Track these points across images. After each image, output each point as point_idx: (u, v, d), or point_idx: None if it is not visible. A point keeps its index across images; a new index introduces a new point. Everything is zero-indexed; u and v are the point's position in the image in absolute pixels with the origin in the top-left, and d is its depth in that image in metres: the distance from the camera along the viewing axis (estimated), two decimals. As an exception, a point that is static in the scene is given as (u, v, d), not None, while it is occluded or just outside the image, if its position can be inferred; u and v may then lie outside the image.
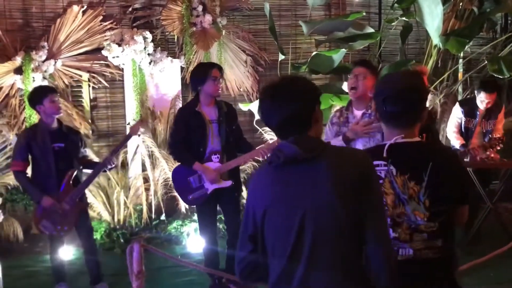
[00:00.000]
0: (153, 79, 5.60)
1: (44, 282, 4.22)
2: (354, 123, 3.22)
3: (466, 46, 5.74)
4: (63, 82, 5.36)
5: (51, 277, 4.05)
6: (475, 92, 4.79)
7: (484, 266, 3.98)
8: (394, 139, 1.94)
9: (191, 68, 5.51)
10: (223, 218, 4.27)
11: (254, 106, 5.59)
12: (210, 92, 3.80)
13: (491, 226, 4.95)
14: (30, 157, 3.80)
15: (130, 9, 5.54)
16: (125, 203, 5.23)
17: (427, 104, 5.92)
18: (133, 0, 5.52)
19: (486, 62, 5.67)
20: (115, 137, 5.61)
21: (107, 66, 5.46)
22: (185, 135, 3.84)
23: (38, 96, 3.76)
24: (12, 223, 4.98)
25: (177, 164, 4.07)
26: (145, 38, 5.34)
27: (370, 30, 5.57)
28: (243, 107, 5.59)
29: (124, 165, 5.44)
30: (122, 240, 4.99)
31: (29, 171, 3.89)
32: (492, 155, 4.57)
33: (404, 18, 5.85)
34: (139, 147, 5.37)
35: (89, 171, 3.96)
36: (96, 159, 4.83)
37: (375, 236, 1.60)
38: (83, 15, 5.33)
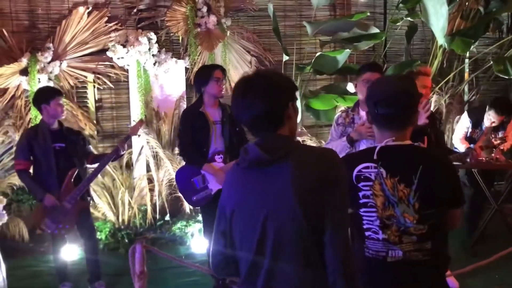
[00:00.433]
0: (157, 80, 5.61)
1: (48, 282, 4.24)
2: (359, 124, 3.23)
3: (472, 47, 5.71)
4: (68, 83, 5.38)
5: (55, 277, 4.07)
6: (487, 107, 4.73)
7: (489, 268, 3.94)
8: (385, 141, 1.95)
9: (195, 69, 5.53)
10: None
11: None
12: (213, 93, 3.82)
13: (496, 227, 4.93)
14: (31, 156, 3.84)
15: (135, 10, 5.55)
16: (129, 203, 5.25)
17: (432, 105, 5.96)
18: (138, 1, 5.54)
19: (491, 62, 5.64)
20: (120, 137, 5.58)
21: (112, 67, 5.48)
22: (192, 135, 3.86)
23: (45, 96, 3.81)
24: (18, 223, 5.01)
25: (182, 165, 4.08)
26: (149, 39, 5.36)
27: (375, 30, 5.55)
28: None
29: (129, 166, 5.46)
30: (126, 240, 5.01)
31: (30, 170, 3.91)
32: (498, 156, 4.54)
33: (409, 18, 5.83)
34: (143, 148, 5.39)
35: (95, 166, 4.00)
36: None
37: (331, 239, 1.58)
38: (88, 16, 5.35)
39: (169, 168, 5.32)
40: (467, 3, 5.98)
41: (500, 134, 4.73)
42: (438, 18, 5.10)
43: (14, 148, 4.48)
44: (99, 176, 5.12)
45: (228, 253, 1.74)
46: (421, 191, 1.88)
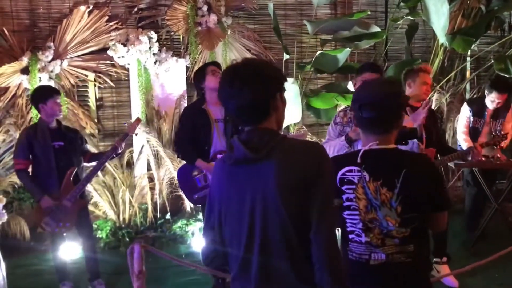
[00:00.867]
0: (158, 78, 5.62)
1: (48, 281, 4.25)
2: None
3: (473, 45, 5.70)
4: (69, 82, 5.40)
5: (55, 276, 4.08)
6: (485, 91, 4.74)
7: (489, 267, 3.95)
8: (369, 145, 1.96)
9: (196, 68, 5.54)
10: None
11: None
12: (211, 86, 3.79)
13: (497, 227, 4.91)
14: (31, 156, 3.85)
15: (135, 9, 5.56)
16: (130, 202, 5.26)
17: (434, 104, 5.95)
18: (139, 0, 5.54)
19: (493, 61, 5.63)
20: (120, 135, 5.63)
21: (113, 66, 5.49)
22: (191, 133, 3.86)
23: (42, 95, 3.82)
24: (19, 221, 5.02)
25: (182, 163, 4.09)
26: (150, 38, 5.36)
27: (376, 29, 5.54)
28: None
29: (130, 165, 5.47)
30: (127, 239, 5.02)
31: (30, 169, 3.93)
32: (498, 155, 4.53)
33: (410, 17, 5.82)
34: (144, 146, 5.40)
35: (93, 164, 4.03)
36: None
37: (315, 235, 1.58)
38: (89, 15, 5.35)
39: (170, 167, 5.33)
40: (468, 2, 5.96)
41: (500, 122, 4.76)
42: (439, 17, 5.09)
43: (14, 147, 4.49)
44: (100, 174, 5.17)
45: (217, 246, 1.76)
46: (404, 195, 1.89)
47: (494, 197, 4.78)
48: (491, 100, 4.64)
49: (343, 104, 5.43)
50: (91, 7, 5.38)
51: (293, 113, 5.50)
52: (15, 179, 5.05)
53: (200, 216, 5.20)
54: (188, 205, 5.40)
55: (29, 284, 4.29)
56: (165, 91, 5.67)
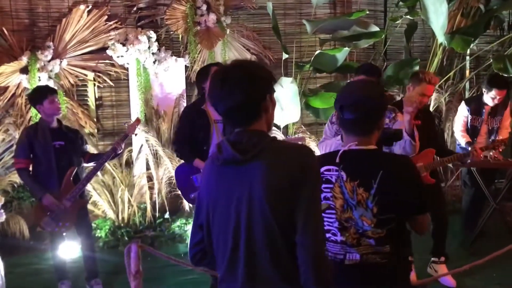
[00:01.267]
0: (157, 78, 5.63)
1: (48, 280, 4.26)
2: None
3: (472, 45, 5.70)
4: (69, 81, 5.41)
5: (54, 275, 4.10)
6: (484, 89, 4.74)
7: (487, 267, 3.95)
8: (348, 145, 1.98)
9: (195, 67, 5.56)
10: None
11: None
12: None
13: (495, 226, 4.92)
14: (31, 155, 3.85)
15: (134, 8, 5.57)
16: (129, 201, 5.27)
17: (432, 103, 5.94)
18: (138, -1, 5.55)
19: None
20: (120, 135, 5.63)
21: (112, 65, 5.50)
22: (190, 133, 3.86)
23: (38, 96, 3.83)
24: (18, 220, 5.03)
25: (181, 163, 4.09)
26: (149, 38, 5.37)
27: (375, 28, 5.54)
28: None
29: (129, 164, 5.48)
30: (126, 238, 5.03)
31: (30, 169, 3.93)
32: (496, 155, 4.53)
33: (409, 17, 5.81)
34: (143, 146, 5.41)
35: (92, 164, 4.04)
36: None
37: (304, 237, 1.58)
38: (88, 15, 5.36)
39: (169, 166, 5.34)
40: (467, 1, 5.96)
41: (498, 120, 4.77)
42: (438, 16, 5.09)
43: (14, 147, 4.50)
44: (99, 174, 5.18)
45: (205, 245, 1.77)
46: (380, 196, 1.89)
47: (493, 196, 4.78)
48: (492, 97, 4.64)
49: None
50: (90, 7, 5.39)
51: (292, 112, 5.51)
52: (14, 178, 5.07)
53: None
54: (187, 204, 5.40)
55: (28, 283, 4.30)
56: (164, 90, 5.68)
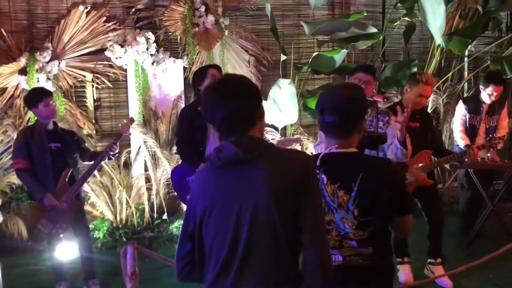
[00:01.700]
0: (156, 79, 5.64)
1: (45, 281, 4.27)
2: None
3: (469, 46, 5.71)
4: (67, 82, 5.41)
5: (52, 276, 4.10)
6: (481, 86, 4.75)
7: (484, 268, 3.96)
8: (329, 149, 1.99)
9: (194, 69, 5.56)
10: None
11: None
12: None
13: (493, 227, 4.92)
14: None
15: (133, 10, 5.57)
16: (127, 202, 5.28)
17: (430, 105, 5.95)
18: (136, 1, 5.55)
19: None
20: (114, 137, 5.64)
21: (111, 66, 5.50)
22: (189, 134, 3.88)
23: (33, 100, 3.84)
24: (17, 221, 5.04)
25: (178, 163, 4.11)
26: (147, 39, 5.37)
27: (373, 30, 5.55)
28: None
29: (127, 165, 5.48)
30: (124, 239, 5.04)
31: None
32: (493, 156, 4.53)
33: (407, 18, 5.82)
34: (141, 147, 5.42)
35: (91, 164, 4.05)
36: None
37: (310, 240, 1.62)
38: (86, 16, 5.37)
39: (167, 168, 5.35)
40: (465, 2, 5.96)
41: (495, 119, 4.80)
42: (436, 18, 5.10)
43: (12, 148, 4.51)
44: (97, 175, 5.19)
45: (195, 257, 1.74)
46: (360, 198, 1.91)
47: (491, 197, 4.79)
48: (489, 94, 4.65)
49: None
50: (88, 8, 5.39)
51: (290, 113, 5.52)
52: (13, 179, 5.08)
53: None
54: (184, 205, 5.41)
55: (25, 284, 4.30)
56: (163, 91, 5.69)
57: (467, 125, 4.84)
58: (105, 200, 5.27)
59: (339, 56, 5.37)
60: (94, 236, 5.06)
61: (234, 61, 5.89)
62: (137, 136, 5.39)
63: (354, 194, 1.91)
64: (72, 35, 5.35)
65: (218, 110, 1.68)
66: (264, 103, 5.48)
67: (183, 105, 5.56)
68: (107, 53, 5.32)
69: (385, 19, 6.13)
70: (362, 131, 2.04)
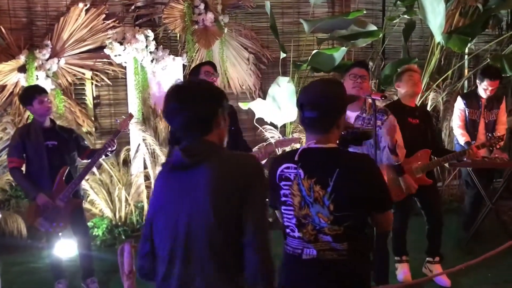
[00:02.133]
0: (155, 77, 5.63)
1: (44, 278, 4.27)
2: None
3: (469, 44, 5.69)
4: (67, 80, 5.41)
5: (51, 274, 4.10)
6: (477, 81, 4.76)
7: (482, 266, 3.97)
8: (307, 144, 2.01)
9: (193, 66, 5.55)
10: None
11: (253, 105, 5.61)
12: None
13: (491, 225, 4.92)
14: (24, 155, 3.85)
15: (132, 7, 5.56)
16: (126, 200, 5.28)
17: (430, 103, 5.93)
18: (136, -2, 5.55)
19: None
20: (112, 134, 5.63)
21: (110, 64, 5.50)
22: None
23: (27, 97, 3.83)
24: (16, 219, 5.05)
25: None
26: (147, 37, 5.36)
27: (373, 27, 5.54)
28: (243, 106, 5.61)
29: (126, 163, 5.49)
30: (123, 237, 5.06)
31: (23, 168, 3.94)
32: (497, 155, 4.52)
33: (406, 16, 5.81)
34: (140, 145, 5.42)
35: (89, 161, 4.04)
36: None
37: (251, 241, 1.63)
38: (86, 13, 5.36)
39: (166, 165, 5.34)
40: (466, 0, 5.95)
41: (494, 113, 4.80)
42: (436, 16, 5.09)
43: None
44: (96, 172, 5.19)
45: (152, 258, 1.79)
46: (336, 193, 1.92)
47: (490, 196, 4.78)
48: (484, 88, 4.67)
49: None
50: (88, 5, 5.39)
51: (289, 111, 5.52)
52: (12, 177, 5.09)
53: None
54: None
55: (24, 282, 4.31)
56: (162, 89, 5.68)
57: (467, 120, 4.83)
58: (104, 197, 5.28)
59: (339, 54, 5.36)
60: (93, 233, 5.06)
61: (234, 58, 5.88)
62: (136, 133, 5.39)
63: (330, 189, 1.92)
64: (71, 32, 5.35)
65: (178, 114, 1.72)
66: (263, 101, 5.58)
67: (182, 103, 5.54)
68: (106, 50, 5.32)
69: (385, 17, 6.10)
70: (341, 126, 2.05)
